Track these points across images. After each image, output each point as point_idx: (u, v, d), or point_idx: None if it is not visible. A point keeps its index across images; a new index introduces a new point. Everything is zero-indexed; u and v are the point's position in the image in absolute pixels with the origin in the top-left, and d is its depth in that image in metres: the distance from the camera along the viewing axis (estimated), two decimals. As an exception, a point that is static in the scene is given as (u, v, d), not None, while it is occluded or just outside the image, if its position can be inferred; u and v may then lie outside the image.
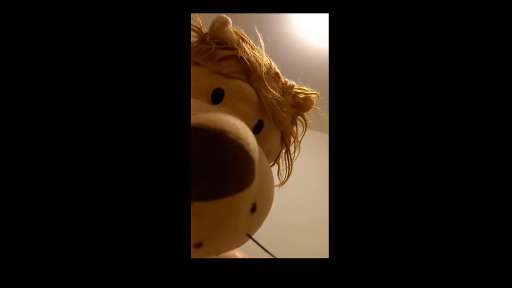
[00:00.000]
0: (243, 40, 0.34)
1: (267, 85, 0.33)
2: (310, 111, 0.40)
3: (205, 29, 0.35)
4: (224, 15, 0.33)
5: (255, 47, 0.35)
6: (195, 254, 0.26)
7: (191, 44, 0.34)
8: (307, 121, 0.41)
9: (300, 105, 0.38)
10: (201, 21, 0.35)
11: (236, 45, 0.33)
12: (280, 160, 0.41)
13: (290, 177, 0.41)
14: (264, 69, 0.33)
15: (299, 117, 0.40)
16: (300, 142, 0.41)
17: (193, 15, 0.33)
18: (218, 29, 0.33)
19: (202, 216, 0.23)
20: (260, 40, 0.35)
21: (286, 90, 0.36)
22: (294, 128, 0.39)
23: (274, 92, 0.33)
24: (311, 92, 0.39)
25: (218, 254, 0.31)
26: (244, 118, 0.30)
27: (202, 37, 0.34)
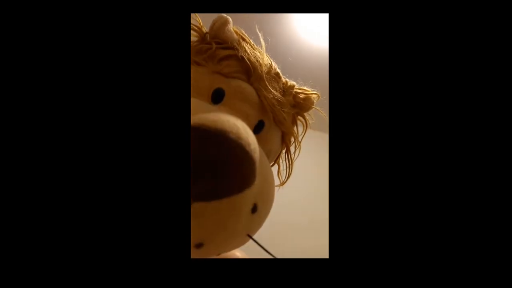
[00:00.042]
0: (244, 39, 0.34)
1: (268, 85, 0.33)
2: (310, 111, 0.40)
3: (205, 29, 0.35)
4: (224, 15, 0.33)
5: (256, 47, 0.35)
6: (195, 254, 0.26)
7: (191, 43, 0.34)
8: (307, 121, 0.41)
9: (300, 105, 0.38)
10: (201, 21, 0.35)
11: (236, 45, 0.33)
12: (280, 160, 0.41)
13: (290, 177, 0.41)
14: (264, 69, 0.33)
15: (299, 117, 0.40)
16: (300, 142, 0.41)
17: (193, 15, 0.33)
18: (219, 29, 0.32)
19: (203, 216, 0.23)
20: (261, 40, 0.35)
21: (286, 90, 0.36)
22: (295, 128, 0.39)
23: (275, 92, 0.33)
24: (312, 92, 0.38)
25: (219, 254, 0.31)
26: (245, 118, 0.30)
27: (203, 37, 0.34)
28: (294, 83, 0.38)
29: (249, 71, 0.32)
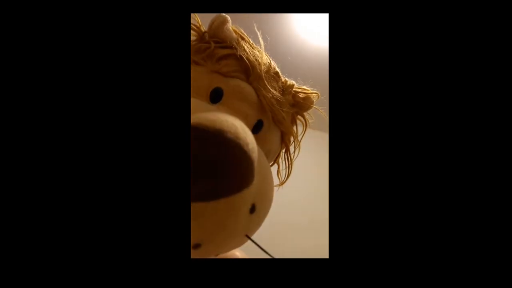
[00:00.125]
0: (243, 39, 0.34)
1: (267, 84, 0.33)
2: (310, 111, 0.40)
3: (204, 28, 0.35)
4: (223, 14, 0.33)
5: (255, 46, 0.35)
6: (193, 255, 0.26)
7: (190, 42, 0.34)
8: (307, 120, 0.40)
9: (300, 105, 0.38)
10: (200, 21, 0.35)
11: (235, 44, 0.32)
12: (280, 160, 0.41)
13: (290, 177, 0.41)
14: (263, 68, 0.33)
15: (299, 116, 0.39)
16: (300, 142, 0.40)
17: (192, 15, 0.33)
18: (217, 28, 0.32)
19: (202, 216, 0.22)
20: (260, 39, 0.35)
21: (286, 89, 0.36)
22: (294, 127, 0.39)
23: (274, 92, 0.33)
24: (311, 91, 0.38)
25: (217, 255, 0.31)
26: (244, 118, 0.30)
27: (201, 36, 0.34)
28: (294, 82, 0.37)
29: (248, 70, 0.32)
